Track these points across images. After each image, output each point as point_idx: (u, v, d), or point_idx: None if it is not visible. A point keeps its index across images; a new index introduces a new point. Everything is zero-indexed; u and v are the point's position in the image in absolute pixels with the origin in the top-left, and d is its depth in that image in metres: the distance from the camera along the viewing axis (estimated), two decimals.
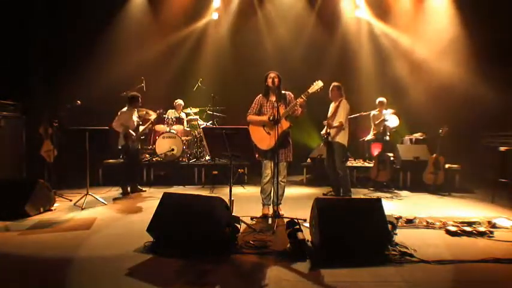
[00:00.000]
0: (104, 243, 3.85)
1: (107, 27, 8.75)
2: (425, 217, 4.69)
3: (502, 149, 6.19)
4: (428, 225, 4.39)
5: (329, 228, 3.37)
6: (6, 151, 6.65)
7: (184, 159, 7.93)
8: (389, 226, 3.63)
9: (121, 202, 5.88)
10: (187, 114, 8.51)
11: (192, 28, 9.63)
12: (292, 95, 4.79)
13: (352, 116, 7.01)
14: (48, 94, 8.15)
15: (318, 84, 4.62)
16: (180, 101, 8.37)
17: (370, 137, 7.93)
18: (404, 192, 6.80)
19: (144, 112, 7.48)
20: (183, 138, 7.96)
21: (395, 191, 6.88)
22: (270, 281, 2.90)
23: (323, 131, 6.03)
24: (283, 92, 4.81)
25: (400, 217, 4.61)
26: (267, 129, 4.70)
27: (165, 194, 3.99)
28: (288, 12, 9.57)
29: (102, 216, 4.91)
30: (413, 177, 7.29)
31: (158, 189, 6.70)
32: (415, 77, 8.92)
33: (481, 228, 4.13)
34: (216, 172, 7.29)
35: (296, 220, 3.73)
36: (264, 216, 4.73)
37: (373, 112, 7.91)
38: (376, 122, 7.75)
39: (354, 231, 3.39)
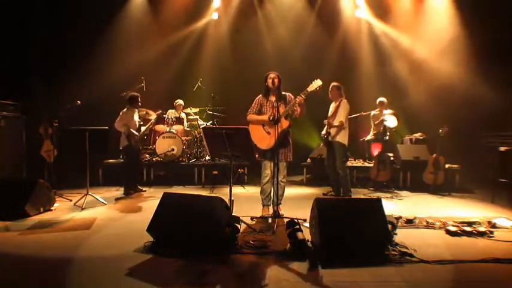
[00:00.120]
0: (103, 243, 3.85)
1: (107, 27, 8.75)
2: (425, 217, 4.69)
3: (502, 149, 6.18)
4: (428, 225, 4.39)
5: (329, 228, 3.37)
6: (6, 151, 6.65)
7: (184, 159, 7.93)
8: (390, 226, 3.63)
9: (121, 202, 5.88)
10: (188, 114, 8.50)
11: (192, 28, 9.63)
12: (292, 96, 4.78)
13: (352, 116, 7.01)
14: (48, 94, 8.15)
15: (317, 83, 4.62)
16: (180, 101, 8.37)
17: (370, 137, 7.92)
18: (404, 192, 6.79)
19: (144, 112, 7.49)
20: (183, 138, 7.96)
21: (395, 191, 6.88)
22: (269, 281, 2.90)
23: (323, 131, 6.03)
24: (283, 93, 4.81)
25: (400, 217, 4.61)
26: (267, 128, 4.70)
27: (165, 194, 3.99)
28: (288, 12, 9.57)
29: (102, 216, 4.91)
30: (413, 177, 7.29)
31: (158, 189, 6.70)
32: (415, 77, 8.92)
33: (481, 228, 4.13)
34: (216, 172, 7.29)
35: (296, 220, 3.73)
36: (264, 217, 4.73)
37: (373, 112, 7.91)
38: (376, 122, 7.75)
39: (354, 231, 3.39)
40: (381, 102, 7.73)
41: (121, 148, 6.39)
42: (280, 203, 4.76)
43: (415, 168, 7.17)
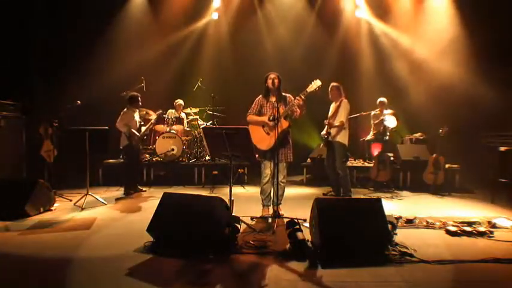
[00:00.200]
0: (104, 243, 3.85)
1: (107, 27, 8.75)
2: (425, 217, 4.69)
3: (502, 149, 6.18)
4: (428, 225, 4.39)
5: (329, 228, 3.37)
6: (6, 151, 6.65)
7: (184, 159, 7.93)
8: (390, 226, 3.63)
9: (121, 202, 5.88)
10: (187, 114, 8.51)
11: (192, 28, 9.63)
12: (292, 98, 4.78)
13: (352, 116, 7.01)
14: (48, 94, 8.15)
15: (316, 83, 4.62)
16: (180, 101, 8.37)
17: (370, 137, 7.92)
18: (404, 192, 6.80)
19: (144, 112, 7.49)
20: (183, 138, 7.96)
21: (395, 191, 6.88)
22: (269, 281, 2.90)
23: (323, 131, 6.03)
24: (283, 94, 4.81)
25: (400, 217, 4.61)
26: (267, 129, 4.70)
27: (165, 194, 3.99)
28: (288, 12, 9.57)
29: (102, 216, 4.91)
30: (413, 177, 7.30)
31: (158, 189, 6.69)
32: (415, 77, 8.92)
33: (481, 228, 4.13)
34: (216, 172, 7.29)
35: (296, 220, 3.73)
36: (264, 216, 4.73)
37: (373, 112, 7.90)
38: (376, 122, 7.74)
39: (354, 231, 3.39)
40: (381, 102, 7.73)
41: (121, 148, 6.40)
42: (280, 203, 4.75)
43: (415, 168, 7.17)
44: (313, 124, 8.66)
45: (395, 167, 7.37)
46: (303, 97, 4.55)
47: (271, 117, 4.63)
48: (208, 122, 8.39)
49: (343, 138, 5.84)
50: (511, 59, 7.49)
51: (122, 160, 7.09)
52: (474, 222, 4.36)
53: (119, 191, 6.47)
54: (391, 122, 7.58)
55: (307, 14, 9.57)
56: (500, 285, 2.99)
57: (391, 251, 3.43)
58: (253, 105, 4.88)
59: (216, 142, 4.13)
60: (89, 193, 5.53)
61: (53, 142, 6.71)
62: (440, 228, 4.28)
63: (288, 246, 3.48)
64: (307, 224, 4.10)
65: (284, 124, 4.59)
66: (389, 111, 7.72)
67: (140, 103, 6.54)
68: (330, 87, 5.95)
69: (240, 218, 3.97)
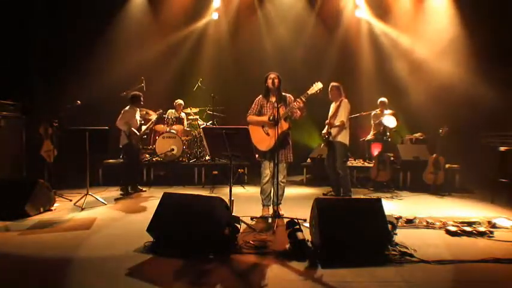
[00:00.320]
0: (103, 243, 3.85)
1: (107, 27, 8.75)
2: (425, 217, 4.69)
3: (502, 149, 6.18)
4: (428, 225, 4.39)
5: (329, 228, 3.37)
6: (6, 151, 6.65)
7: (184, 159, 7.93)
8: (390, 226, 3.63)
9: (121, 202, 5.88)
10: (188, 114, 8.51)
11: (192, 28, 9.63)
12: (292, 98, 4.78)
13: (352, 116, 7.00)
14: (48, 94, 8.15)
15: (318, 86, 4.61)
16: (180, 101, 8.37)
17: (370, 137, 7.92)
18: (404, 192, 6.79)
19: (144, 112, 7.47)
20: (183, 138, 7.96)
21: (396, 191, 6.87)
22: (270, 281, 2.90)
23: (324, 131, 6.03)
24: (283, 94, 4.81)
25: (400, 217, 4.61)
26: (267, 130, 4.70)
27: (165, 194, 3.99)
28: (288, 12, 9.57)
29: (102, 216, 4.91)
30: (413, 177, 7.29)
31: (158, 189, 6.69)
32: (415, 77, 8.91)
33: (481, 228, 4.13)
34: (216, 172, 7.29)
35: (296, 220, 3.73)
36: (264, 217, 4.73)
37: (373, 112, 7.89)
38: (376, 122, 7.75)
39: (354, 231, 3.39)
40: (382, 102, 7.72)
41: (121, 146, 6.39)
42: (280, 203, 4.76)
43: (415, 168, 7.17)
44: (313, 124, 8.65)
45: (396, 167, 7.37)
46: (303, 99, 4.54)
47: (271, 118, 4.63)
48: (208, 122, 8.39)
49: (344, 138, 5.84)
50: (511, 59, 7.49)
51: (121, 160, 7.08)
52: (474, 222, 4.36)
53: (119, 191, 6.46)
54: (390, 122, 7.58)
55: (307, 14, 9.57)
56: (500, 285, 2.99)
57: (391, 251, 3.43)
58: (253, 105, 4.88)
59: (216, 142, 4.13)
60: (89, 193, 5.53)
61: (53, 142, 6.70)
62: (440, 228, 4.28)
63: (288, 246, 3.48)
64: (307, 224, 4.10)
65: (284, 125, 4.59)
66: (389, 111, 7.72)
67: (142, 103, 6.55)
68: (330, 87, 5.94)
69: (240, 218, 3.97)
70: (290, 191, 6.65)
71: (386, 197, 6.29)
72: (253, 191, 6.57)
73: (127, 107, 6.37)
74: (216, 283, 2.88)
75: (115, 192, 6.52)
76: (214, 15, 9.67)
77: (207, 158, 8.01)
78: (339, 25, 9.52)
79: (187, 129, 8.33)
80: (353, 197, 5.92)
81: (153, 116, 7.15)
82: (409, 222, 4.48)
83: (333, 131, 5.86)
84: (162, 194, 4.00)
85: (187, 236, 3.52)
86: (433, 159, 6.72)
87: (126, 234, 4.13)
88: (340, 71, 8.77)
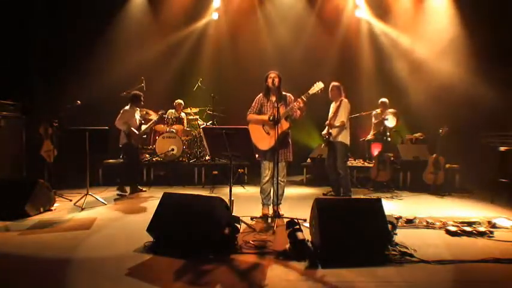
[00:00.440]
0: (103, 243, 3.85)
1: (107, 27, 8.75)
2: (425, 217, 4.69)
3: (502, 149, 6.19)
4: (428, 225, 4.39)
5: (329, 228, 3.37)
6: (6, 151, 6.65)
7: (184, 159, 7.93)
8: (390, 226, 3.63)
9: (121, 202, 5.88)
10: (188, 114, 8.51)
11: (192, 28, 9.62)
12: (293, 98, 4.78)
13: (352, 116, 7.00)
14: (48, 94, 8.15)
15: (319, 86, 4.61)
16: (180, 101, 8.37)
17: (370, 137, 7.92)
18: (404, 192, 6.80)
19: (144, 112, 7.47)
20: (183, 138, 7.96)
21: (396, 191, 6.87)
22: (270, 281, 2.90)
23: (324, 131, 6.03)
24: (283, 93, 4.81)
25: (400, 217, 4.61)
26: (267, 129, 4.70)
27: (165, 194, 3.99)
28: (288, 12, 9.56)
29: (102, 216, 4.91)
30: (413, 177, 7.30)
31: (158, 189, 6.68)
32: (415, 77, 8.91)
33: (481, 228, 4.14)
34: (216, 172, 7.29)
35: (296, 220, 3.73)
36: (264, 216, 4.73)
37: (374, 112, 7.88)
38: (375, 121, 7.74)
39: (354, 231, 3.39)
40: (382, 102, 7.70)
41: (120, 146, 6.38)
42: (280, 203, 4.75)
43: (415, 168, 7.17)
44: (313, 124, 8.65)
45: (396, 167, 7.37)
46: (304, 99, 4.54)
47: (271, 118, 4.63)
48: (208, 122, 8.39)
49: (344, 138, 5.84)
50: (511, 59, 7.48)
51: (121, 160, 7.08)
52: (474, 222, 4.36)
53: (116, 191, 6.44)
54: (390, 121, 7.58)
55: (307, 14, 9.56)
56: (500, 285, 2.99)
57: (391, 251, 3.43)
58: (253, 103, 4.87)
59: (216, 142, 4.13)
60: (89, 193, 5.53)
61: (53, 142, 6.71)
62: (440, 228, 4.28)
63: (288, 246, 3.47)
64: (307, 224, 4.10)
65: (284, 125, 4.59)
66: (390, 110, 7.71)
67: (142, 102, 6.54)
68: (330, 86, 5.94)
69: (240, 218, 3.96)
70: (290, 191, 6.65)
71: (387, 197, 6.29)
72: (253, 191, 6.57)
73: (127, 107, 6.37)
74: (216, 283, 2.88)
75: (115, 192, 6.51)
76: (214, 15, 9.66)
77: (207, 158, 8.01)
78: (339, 25, 9.52)
79: (187, 129, 8.33)
80: (353, 197, 5.92)
81: (153, 117, 7.15)
82: (409, 222, 4.48)
83: (334, 131, 5.86)
84: (162, 194, 4.00)
85: (187, 236, 3.52)
86: (433, 159, 6.72)
87: (126, 234, 4.13)
88: (340, 71, 8.76)
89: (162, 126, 8.02)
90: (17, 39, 7.80)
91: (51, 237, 4.03)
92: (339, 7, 9.45)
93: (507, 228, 4.28)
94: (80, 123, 6.15)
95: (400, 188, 7.13)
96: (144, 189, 6.74)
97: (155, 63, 9.13)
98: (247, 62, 9.10)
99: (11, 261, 3.35)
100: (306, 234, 3.59)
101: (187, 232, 3.53)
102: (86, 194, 5.49)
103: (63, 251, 3.55)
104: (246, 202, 5.63)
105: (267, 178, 4.82)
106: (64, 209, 5.30)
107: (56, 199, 5.48)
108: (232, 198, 4.07)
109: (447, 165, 6.99)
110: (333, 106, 6.04)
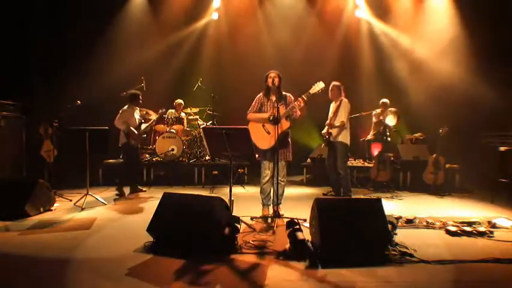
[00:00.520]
0: (103, 243, 3.85)
1: (107, 27, 8.75)
2: (425, 217, 4.69)
3: (502, 149, 6.19)
4: (428, 225, 4.39)
5: (329, 228, 3.37)
6: (6, 151, 6.65)
7: (184, 159, 7.93)
8: (390, 226, 3.63)
9: (121, 202, 5.88)
10: (187, 114, 8.51)
11: (192, 28, 9.62)
12: (293, 98, 4.78)
13: (352, 116, 7.00)
14: (48, 94, 8.15)
15: (319, 86, 4.61)
16: (180, 101, 8.37)
17: (370, 137, 7.92)
18: (404, 192, 6.80)
19: (144, 112, 7.47)
20: (183, 138, 7.96)
21: (395, 191, 6.87)
22: (270, 281, 2.90)
23: (324, 131, 6.02)
24: (283, 93, 4.81)
25: (400, 217, 4.61)
26: (267, 128, 4.69)
27: (165, 194, 4.00)
28: (288, 12, 9.56)
29: (102, 216, 4.91)
30: (413, 177, 7.30)
31: (158, 189, 6.69)
32: (415, 77, 8.91)
33: (481, 228, 4.14)
34: (216, 172, 7.29)
35: (296, 220, 3.73)
36: (264, 216, 4.73)
37: (374, 111, 7.87)
38: (375, 121, 7.74)
39: (354, 231, 3.39)
40: (383, 103, 7.69)
41: (120, 145, 6.38)
42: (280, 203, 4.75)
43: (415, 168, 7.17)
44: (313, 124, 8.65)
45: (396, 167, 7.37)
46: (305, 99, 4.54)
47: (271, 118, 4.63)
48: (208, 122, 8.39)
49: (344, 138, 5.84)
50: (511, 59, 7.49)
51: (121, 160, 7.08)
52: (474, 222, 4.36)
53: (115, 191, 6.43)
54: (390, 120, 7.58)
55: (307, 14, 9.56)
56: (500, 285, 2.99)
57: (391, 251, 3.43)
58: (253, 103, 4.87)
59: (216, 142, 4.13)
60: (89, 193, 5.53)
61: (53, 142, 6.70)
62: (440, 228, 4.28)
63: (288, 246, 3.47)
64: (307, 224, 4.10)
65: (284, 125, 4.59)
66: (390, 109, 7.71)
67: (141, 101, 6.54)
68: (330, 86, 5.93)
69: (240, 218, 3.96)
70: (290, 191, 6.65)
71: (387, 197, 6.29)
72: (253, 191, 6.57)
73: (125, 106, 6.37)
74: (216, 283, 2.88)
75: (115, 192, 6.51)
76: (214, 15, 9.66)
77: (207, 158, 8.01)
78: (339, 25, 9.52)
79: (187, 129, 8.33)
80: (353, 197, 5.92)
81: (153, 116, 7.14)
82: (409, 222, 4.48)
83: (334, 131, 5.86)
84: (162, 194, 4.00)
85: (187, 236, 3.52)
86: (433, 159, 6.72)
87: (126, 234, 4.13)
88: (340, 71, 8.76)
89: (162, 126, 8.03)
90: (17, 39, 7.80)
91: (51, 237, 4.03)
92: (339, 7, 9.46)
93: (507, 228, 4.28)
94: (80, 123, 6.15)
95: (400, 188, 7.13)
96: (144, 189, 6.74)
97: (155, 63, 9.13)
98: (247, 62, 9.10)
99: (11, 261, 3.35)
100: (306, 234, 3.59)
101: (187, 232, 3.53)
102: (86, 194, 5.49)
103: (63, 251, 3.55)
104: (246, 202, 5.63)
105: (267, 178, 4.82)
106: (64, 209, 5.30)
107: (56, 199, 5.48)
108: (232, 198, 4.07)
109: (447, 165, 6.99)
110: (333, 106, 6.04)
